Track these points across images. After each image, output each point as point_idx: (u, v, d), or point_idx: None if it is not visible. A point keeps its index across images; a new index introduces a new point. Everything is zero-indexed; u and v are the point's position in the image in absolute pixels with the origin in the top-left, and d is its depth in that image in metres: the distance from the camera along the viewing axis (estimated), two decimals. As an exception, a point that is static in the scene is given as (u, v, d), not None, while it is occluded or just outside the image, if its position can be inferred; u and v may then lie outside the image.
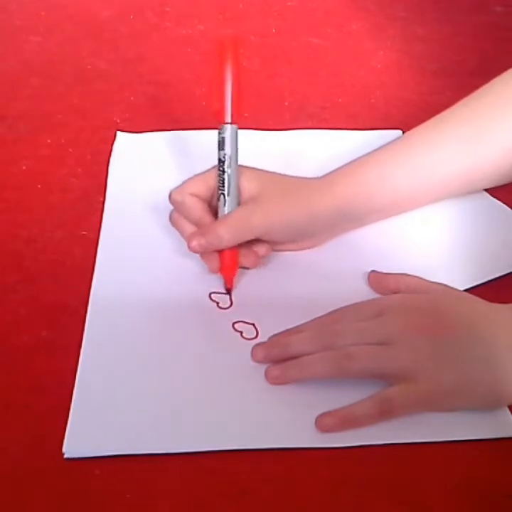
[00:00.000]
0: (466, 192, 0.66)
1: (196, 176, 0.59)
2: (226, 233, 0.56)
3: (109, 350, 0.53)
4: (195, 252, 0.57)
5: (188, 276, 0.59)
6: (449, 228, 0.65)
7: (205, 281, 0.59)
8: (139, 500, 0.45)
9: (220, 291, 0.58)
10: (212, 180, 0.57)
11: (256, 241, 0.59)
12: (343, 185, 0.61)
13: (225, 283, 0.58)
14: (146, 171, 0.61)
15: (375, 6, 0.99)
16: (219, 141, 0.56)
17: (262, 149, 0.66)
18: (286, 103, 0.80)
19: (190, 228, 0.58)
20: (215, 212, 0.58)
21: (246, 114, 0.77)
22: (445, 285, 0.55)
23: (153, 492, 0.45)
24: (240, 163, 0.57)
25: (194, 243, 0.56)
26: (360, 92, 0.82)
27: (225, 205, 0.57)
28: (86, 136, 0.74)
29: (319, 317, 0.54)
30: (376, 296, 0.57)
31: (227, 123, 0.56)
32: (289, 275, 0.60)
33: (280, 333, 0.53)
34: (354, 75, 0.85)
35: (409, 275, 0.57)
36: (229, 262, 0.57)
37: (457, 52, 0.88)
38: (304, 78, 0.85)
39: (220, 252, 0.57)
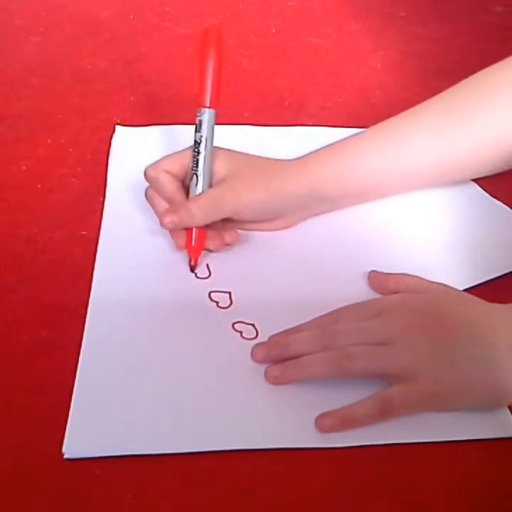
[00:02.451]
0: (436, 185, 0.67)
1: (172, 154, 0.61)
2: (199, 212, 0.58)
3: (109, 350, 0.53)
4: (167, 228, 0.59)
5: (187, 275, 0.59)
6: (448, 228, 0.65)
7: (204, 280, 0.59)
8: (140, 500, 0.45)
9: (220, 290, 0.58)
10: (187, 159, 0.60)
11: (226, 225, 0.61)
12: (316, 168, 0.62)
13: (189, 261, 0.60)
14: (146, 165, 0.61)
15: (375, 6, 0.99)
16: (196, 124, 0.59)
17: (261, 144, 0.66)
18: (286, 103, 0.80)
19: (163, 205, 0.60)
20: (187, 191, 0.60)
21: (246, 114, 0.78)
22: (445, 285, 0.55)
23: (153, 492, 0.45)
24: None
25: (167, 220, 0.58)
26: (360, 92, 0.82)
27: (197, 185, 0.59)
28: (86, 136, 0.74)
29: (319, 317, 0.54)
30: (376, 296, 0.57)
31: (206, 107, 0.59)
32: (289, 275, 0.60)
33: (280, 333, 0.53)
34: (354, 75, 0.85)
35: (409, 275, 0.57)
36: (196, 240, 0.59)
37: (457, 52, 0.88)
38: (303, 78, 0.85)
39: (188, 230, 0.59)
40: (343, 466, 0.47)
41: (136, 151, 0.71)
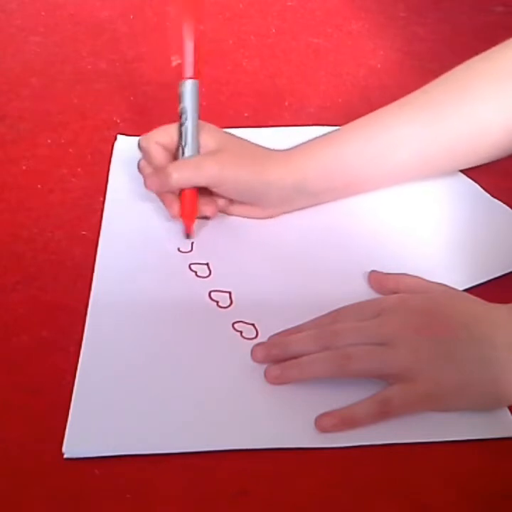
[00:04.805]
0: (423, 177, 0.67)
1: (164, 126, 0.62)
2: (175, 172, 0.59)
3: (109, 350, 0.53)
4: (150, 190, 0.61)
5: (187, 275, 0.59)
6: (448, 228, 0.65)
7: (204, 280, 0.59)
8: (139, 500, 0.45)
9: (220, 289, 0.58)
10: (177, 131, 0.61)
11: (215, 194, 0.61)
12: (301, 162, 0.62)
13: (184, 229, 0.61)
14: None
15: (375, 6, 0.99)
16: (179, 95, 0.60)
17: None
18: (286, 103, 0.80)
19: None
20: None
21: (246, 114, 0.78)
22: (444, 285, 0.55)
23: (153, 492, 0.45)
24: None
25: (148, 181, 0.60)
26: (360, 92, 0.82)
27: (183, 155, 0.60)
28: (86, 136, 0.74)
29: (319, 317, 0.54)
30: (376, 296, 0.57)
31: (187, 78, 0.60)
32: (289, 275, 0.60)
33: (280, 333, 0.53)
34: (354, 75, 0.85)
35: (408, 275, 0.57)
36: (187, 206, 0.61)
37: (457, 52, 0.88)
38: (303, 78, 0.85)
39: (181, 198, 0.60)
40: (343, 466, 0.47)
41: (137, 160, 0.71)
